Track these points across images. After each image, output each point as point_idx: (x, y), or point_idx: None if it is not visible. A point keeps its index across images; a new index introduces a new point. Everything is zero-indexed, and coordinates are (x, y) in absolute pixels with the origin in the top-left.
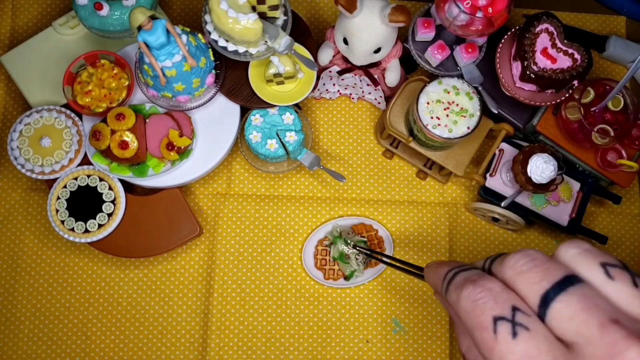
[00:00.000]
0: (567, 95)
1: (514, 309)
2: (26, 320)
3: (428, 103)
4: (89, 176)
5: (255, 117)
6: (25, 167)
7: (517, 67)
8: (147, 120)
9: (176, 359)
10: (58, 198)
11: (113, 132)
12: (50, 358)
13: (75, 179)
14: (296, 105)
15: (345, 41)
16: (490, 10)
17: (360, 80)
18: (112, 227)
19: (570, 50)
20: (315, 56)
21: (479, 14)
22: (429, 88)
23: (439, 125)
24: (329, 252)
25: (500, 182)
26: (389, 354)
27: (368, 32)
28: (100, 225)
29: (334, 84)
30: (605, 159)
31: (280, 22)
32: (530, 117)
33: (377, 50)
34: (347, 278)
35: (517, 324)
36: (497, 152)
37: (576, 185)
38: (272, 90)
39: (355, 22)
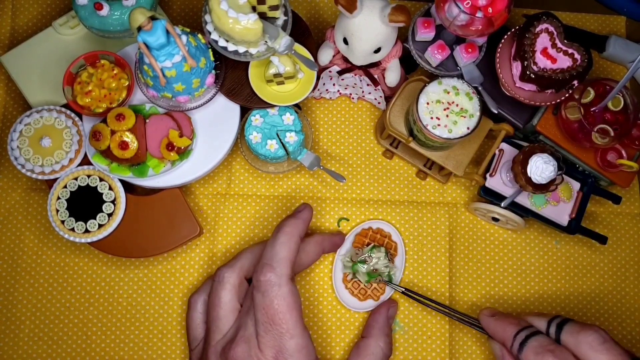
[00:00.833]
0: (567, 95)
1: None
2: (26, 320)
3: (428, 103)
4: (89, 176)
5: (256, 118)
6: (26, 167)
7: (517, 67)
8: (147, 121)
9: (177, 359)
10: (58, 198)
11: (113, 132)
12: (51, 358)
13: (76, 179)
14: (296, 105)
15: (345, 41)
16: (490, 10)
17: (360, 80)
18: (112, 227)
19: (570, 50)
20: (315, 56)
21: (479, 14)
22: (428, 88)
23: (438, 125)
24: (360, 281)
25: (500, 182)
26: None
27: (368, 32)
28: (100, 225)
29: (334, 84)
30: (605, 159)
31: (280, 22)
32: (530, 117)
33: (377, 50)
34: (389, 282)
35: None
36: (497, 152)
37: (576, 185)
38: (272, 90)
39: (355, 22)
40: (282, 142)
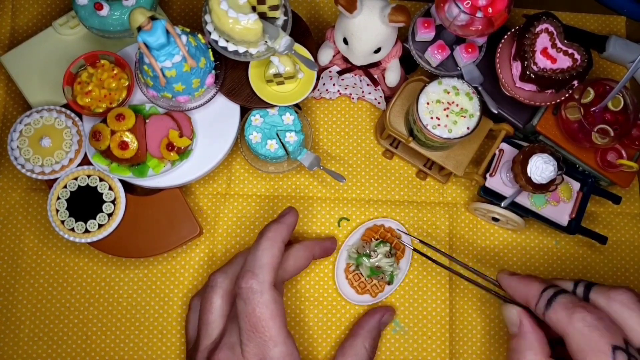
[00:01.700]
0: (567, 95)
1: (626, 342)
2: (26, 320)
3: (428, 103)
4: (89, 176)
5: (255, 118)
6: (26, 167)
7: (517, 67)
8: (147, 121)
9: (176, 359)
10: (58, 198)
11: (113, 132)
12: (51, 358)
13: (76, 179)
14: (296, 105)
15: (345, 41)
16: (490, 10)
17: (360, 80)
18: (112, 227)
19: (570, 50)
20: (315, 56)
21: (479, 14)
22: (428, 88)
23: (438, 125)
24: (362, 275)
25: (500, 182)
26: (388, 353)
27: (368, 32)
28: (100, 225)
29: (334, 84)
30: (605, 159)
31: (280, 22)
32: (530, 117)
33: (377, 50)
34: (390, 282)
35: (632, 356)
36: (497, 152)
37: (576, 185)
38: (272, 90)
39: (355, 22)
40: (282, 142)
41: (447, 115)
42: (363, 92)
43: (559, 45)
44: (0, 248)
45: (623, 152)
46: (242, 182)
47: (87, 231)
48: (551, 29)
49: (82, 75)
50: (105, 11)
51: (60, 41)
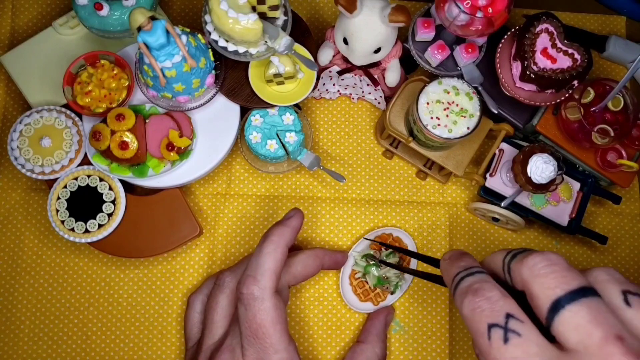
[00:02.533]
0: (567, 95)
1: (508, 315)
2: (26, 320)
3: (428, 103)
4: (89, 176)
5: (255, 118)
6: (25, 167)
7: (517, 67)
8: (147, 121)
9: (177, 359)
10: (58, 198)
11: (113, 132)
12: (51, 358)
13: (76, 179)
14: (296, 105)
15: (345, 41)
16: (490, 10)
17: (360, 80)
18: (112, 227)
19: (570, 50)
20: (315, 56)
21: (479, 14)
22: (428, 88)
23: (438, 125)
24: (367, 283)
25: (500, 182)
26: (388, 353)
27: (368, 32)
28: (100, 225)
29: (334, 84)
30: (605, 159)
31: (280, 22)
32: (530, 117)
33: (377, 50)
34: (393, 292)
35: (509, 330)
36: (497, 152)
37: (576, 185)
38: (272, 90)
39: (355, 22)
40: (282, 142)
41: (447, 115)
42: (363, 92)
43: (559, 45)
44: (0, 248)
45: (623, 152)
46: (242, 182)
47: (87, 231)
48: (551, 29)
49: (82, 75)
50: (105, 11)
51: (60, 41)
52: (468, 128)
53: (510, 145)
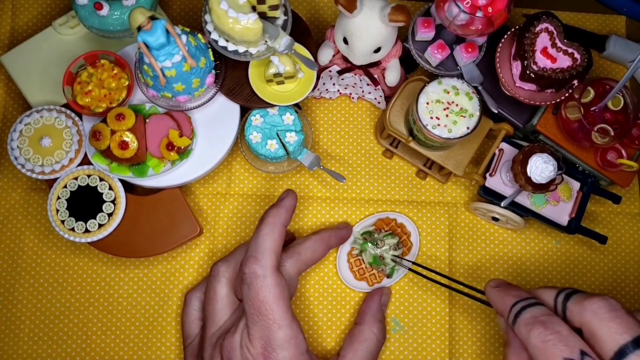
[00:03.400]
0: (567, 94)
1: (583, 353)
2: (26, 320)
3: (428, 103)
4: (89, 176)
5: (256, 118)
6: (26, 167)
7: (517, 67)
8: (147, 121)
9: (177, 359)
10: (58, 198)
11: (113, 132)
12: (51, 358)
13: (76, 178)
14: (296, 105)
15: (345, 41)
16: (490, 9)
17: (360, 80)
18: (112, 227)
19: (570, 50)
20: (315, 56)
21: (479, 14)
22: (428, 88)
23: (438, 125)
24: (363, 261)
25: (500, 182)
26: (388, 353)
27: (368, 31)
28: (100, 225)
29: (334, 84)
30: (605, 158)
31: (280, 22)
32: (530, 116)
33: (377, 50)
34: (389, 276)
35: None
36: (496, 152)
37: (576, 185)
38: (272, 90)
39: (355, 22)
40: (282, 142)
41: (447, 115)
42: (363, 91)
43: (559, 44)
44: (0, 248)
45: (623, 151)
46: (242, 181)
47: (87, 231)
48: (551, 28)
49: (82, 75)
50: (105, 11)
51: (60, 41)
52: (468, 128)
53: (510, 145)
